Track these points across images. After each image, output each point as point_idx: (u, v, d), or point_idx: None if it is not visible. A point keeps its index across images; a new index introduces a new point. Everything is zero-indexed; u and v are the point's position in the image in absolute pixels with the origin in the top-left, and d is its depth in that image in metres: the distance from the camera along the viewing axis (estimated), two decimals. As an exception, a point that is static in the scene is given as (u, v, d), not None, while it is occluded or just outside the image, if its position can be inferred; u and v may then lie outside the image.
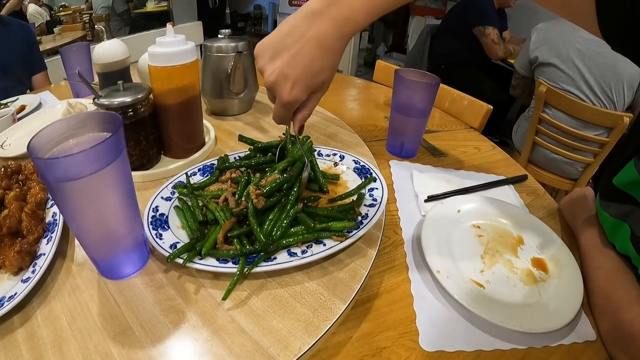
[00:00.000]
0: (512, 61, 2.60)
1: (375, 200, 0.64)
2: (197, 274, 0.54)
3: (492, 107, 1.14)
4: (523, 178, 0.91)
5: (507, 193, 0.84)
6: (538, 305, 0.56)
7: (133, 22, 4.60)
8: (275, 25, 3.58)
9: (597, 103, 1.74)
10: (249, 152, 0.74)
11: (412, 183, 0.83)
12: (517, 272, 0.62)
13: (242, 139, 0.75)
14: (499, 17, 2.79)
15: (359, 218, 0.60)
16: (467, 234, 0.69)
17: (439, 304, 0.57)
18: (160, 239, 0.56)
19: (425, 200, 0.77)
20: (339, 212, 0.60)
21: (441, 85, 1.14)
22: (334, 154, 0.77)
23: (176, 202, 0.63)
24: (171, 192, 0.65)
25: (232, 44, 0.95)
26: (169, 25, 0.72)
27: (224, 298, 0.49)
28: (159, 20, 4.39)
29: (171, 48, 0.71)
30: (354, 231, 0.57)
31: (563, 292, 0.59)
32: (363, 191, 0.66)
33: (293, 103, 0.53)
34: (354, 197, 0.65)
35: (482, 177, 0.89)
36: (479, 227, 0.70)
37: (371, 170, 0.71)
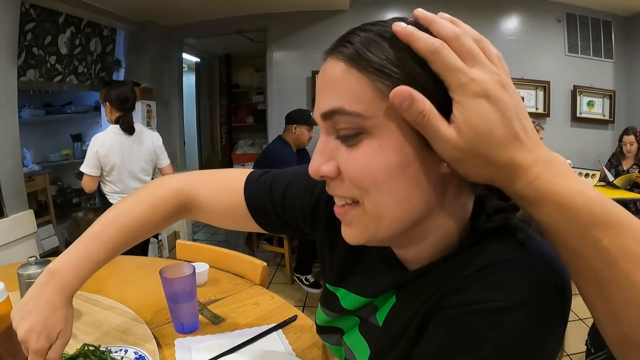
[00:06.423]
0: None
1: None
2: None
3: (265, 263, 1.39)
4: (293, 319, 1.09)
5: (274, 339, 1.03)
6: None
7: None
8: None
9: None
10: None
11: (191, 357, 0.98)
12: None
13: None
14: (298, 157, 3.28)
15: None
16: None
17: None
18: None
19: (196, 372, 0.93)
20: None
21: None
22: (120, 350, 0.91)
23: None
24: None
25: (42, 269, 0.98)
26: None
27: None
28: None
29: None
30: None
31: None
32: None
33: (41, 350, 0.69)
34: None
35: (255, 330, 1.05)
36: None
37: (145, 357, 0.88)
